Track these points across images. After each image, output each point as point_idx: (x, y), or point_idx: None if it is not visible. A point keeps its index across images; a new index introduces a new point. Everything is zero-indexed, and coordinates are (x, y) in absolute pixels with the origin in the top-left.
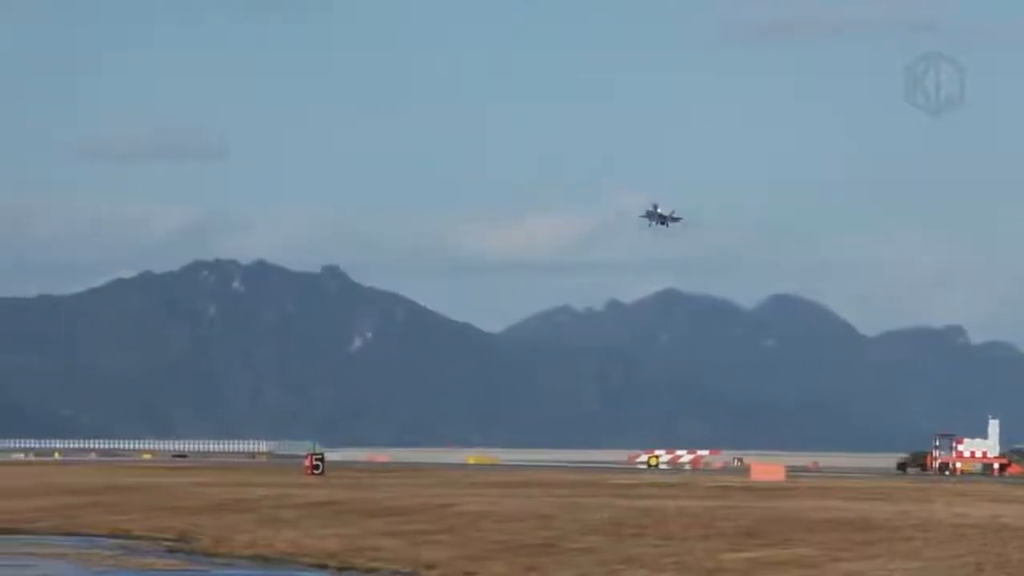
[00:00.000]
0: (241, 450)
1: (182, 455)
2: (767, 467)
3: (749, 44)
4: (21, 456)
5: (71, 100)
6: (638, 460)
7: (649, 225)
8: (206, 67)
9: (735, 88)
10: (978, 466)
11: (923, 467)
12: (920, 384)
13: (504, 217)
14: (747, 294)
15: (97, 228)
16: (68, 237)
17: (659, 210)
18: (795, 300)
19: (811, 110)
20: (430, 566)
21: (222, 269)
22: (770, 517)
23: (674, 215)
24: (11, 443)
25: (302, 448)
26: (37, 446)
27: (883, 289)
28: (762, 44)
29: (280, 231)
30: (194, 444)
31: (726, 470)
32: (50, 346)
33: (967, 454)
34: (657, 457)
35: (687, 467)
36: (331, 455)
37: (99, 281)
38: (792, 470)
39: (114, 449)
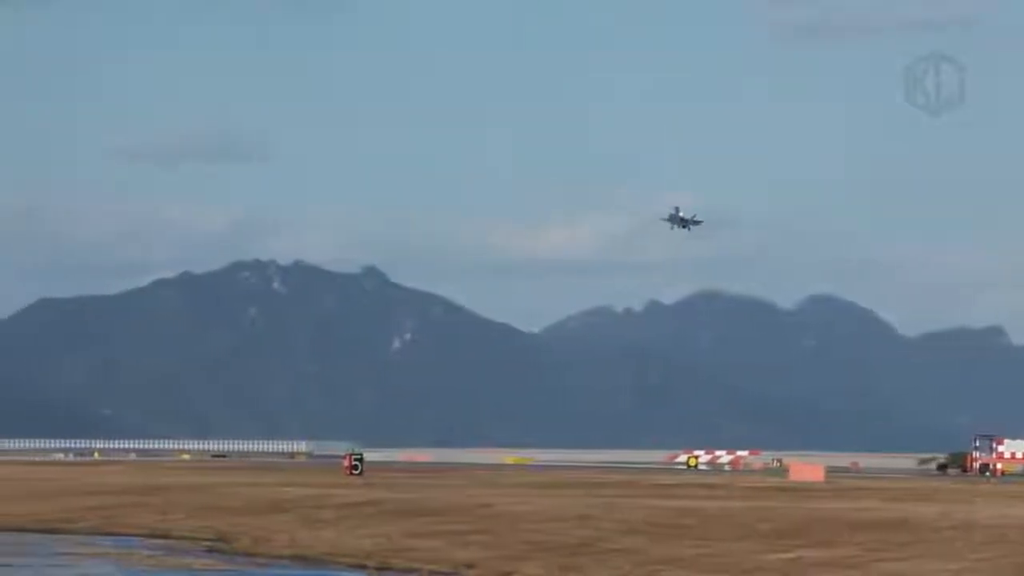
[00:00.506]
0: (280, 450)
1: (221, 455)
2: (807, 467)
3: (786, 44)
4: (61, 456)
5: (112, 102)
6: (677, 460)
7: (671, 228)
8: (245, 68)
9: (777, 87)
10: (1019, 467)
11: (963, 468)
12: (960, 385)
13: (543, 217)
14: (786, 294)
15: (137, 229)
16: (109, 238)
17: (681, 213)
18: (834, 300)
19: (851, 109)
20: (468, 566)
21: (262, 270)
22: (810, 518)
23: (695, 218)
24: (51, 443)
25: (341, 448)
26: (77, 446)
27: (923, 289)
28: (798, 44)
29: (319, 232)
30: (233, 444)
31: (765, 471)
32: (91, 346)
33: (1007, 455)
34: (696, 457)
35: (726, 468)
36: (370, 455)
37: (140, 282)
38: (832, 471)
39: (153, 449)
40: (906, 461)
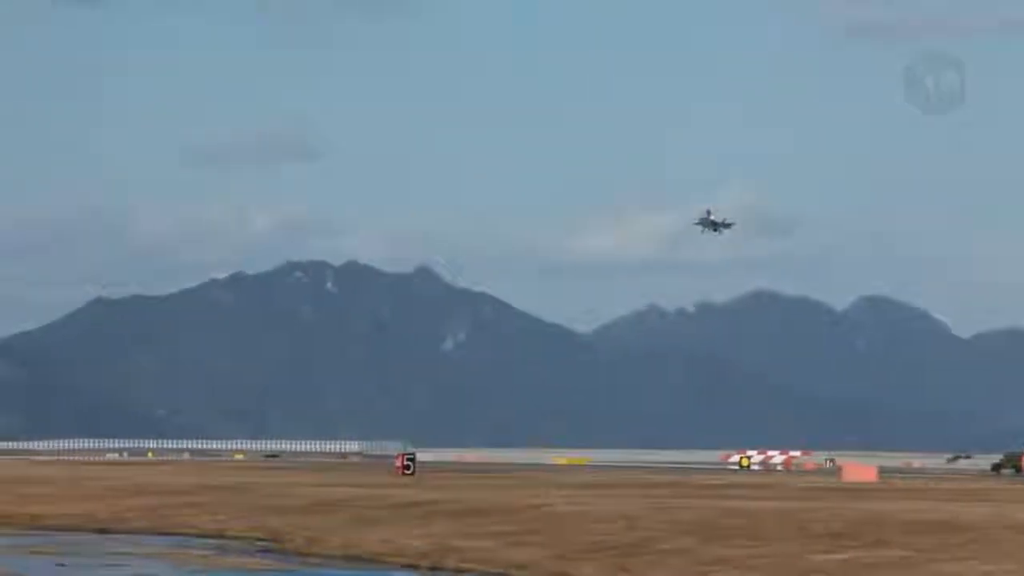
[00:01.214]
0: (333, 450)
1: (275, 455)
2: (859, 468)
3: (839, 45)
4: (115, 456)
5: (166, 103)
6: (729, 461)
7: (703, 232)
8: (299, 69)
9: (836, 87)
10: None
11: (1017, 468)
12: (1015, 384)
13: (595, 218)
14: (839, 295)
15: (191, 229)
16: (163, 238)
17: (712, 216)
18: (887, 301)
19: (904, 111)
20: (521, 567)
21: (315, 270)
22: (863, 518)
23: (726, 221)
24: (105, 443)
25: (394, 448)
26: (131, 446)
27: (977, 289)
28: (852, 45)
29: (372, 232)
30: (287, 444)
31: (818, 471)
32: (145, 346)
33: None
34: (749, 458)
35: (779, 468)
36: (423, 455)
37: (193, 282)
38: (885, 471)
39: (207, 449)
40: (934, 460)
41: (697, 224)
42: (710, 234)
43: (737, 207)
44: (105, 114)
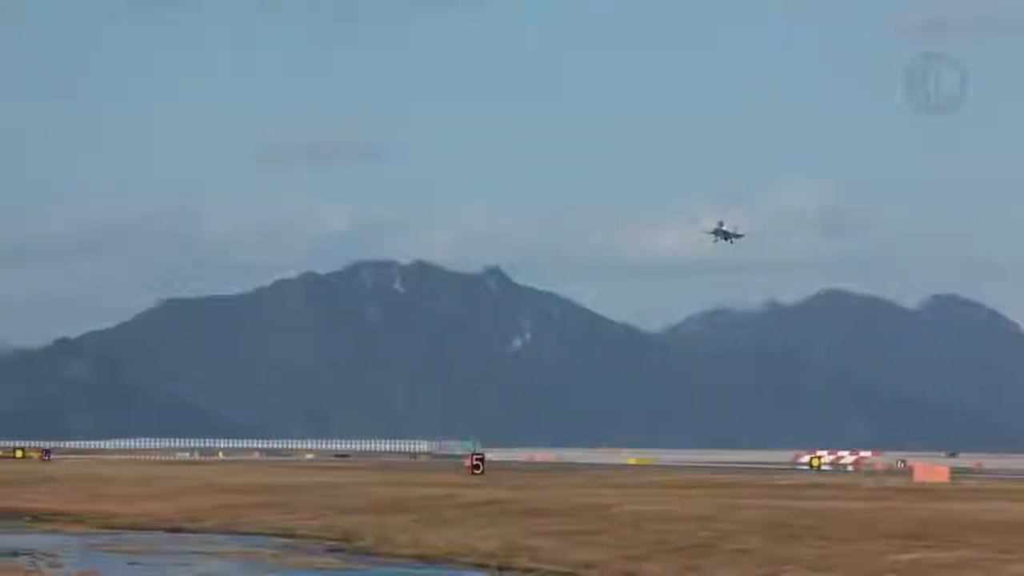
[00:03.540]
0: (402, 450)
1: (344, 455)
2: (930, 468)
3: (912, 44)
4: (186, 456)
5: (235, 103)
6: (800, 461)
7: (715, 241)
8: (368, 69)
9: (903, 88)
10: None
11: None
12: None
13: (663, 217)
14: (909, 295)
15: (260, 229)
16: (232, 238)
17: (724, 227)
18: (958, 300)
19: (974, 110)
20: (589, 566)
21: (383, 270)
22: (934, 519)
23: (737, 231)
24: (176, 442)
25: (462, 448)
26: (201, 445)
27: None
28: (926, 43)
29: (440, 232)
30: (356, 444)
31: (889, 471)
32: (214, 346)
33: None
34: (819, 458)
35: (849, 468)
36: (491, 455)
37: (262, 282)
38: (956, 471)
39: (277, 449)
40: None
41: (710, 233)
42: (722, 243)
43: (807, 206)
44: (174, 114)
